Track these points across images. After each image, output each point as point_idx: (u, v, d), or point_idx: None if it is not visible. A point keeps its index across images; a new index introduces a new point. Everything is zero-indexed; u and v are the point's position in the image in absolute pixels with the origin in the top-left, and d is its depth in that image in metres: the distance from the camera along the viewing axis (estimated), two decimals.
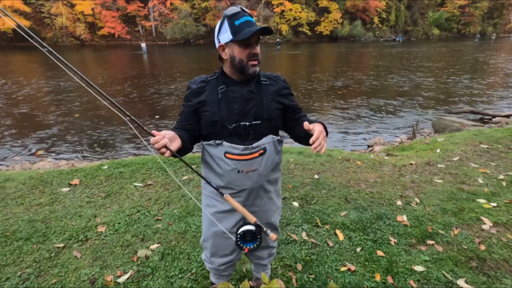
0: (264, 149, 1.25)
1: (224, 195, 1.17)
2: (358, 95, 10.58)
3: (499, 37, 53.34)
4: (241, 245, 1.23)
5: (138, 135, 1.12)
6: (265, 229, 1.18)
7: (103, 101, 0.97)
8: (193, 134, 1.27)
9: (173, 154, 1.03)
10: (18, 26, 0.81)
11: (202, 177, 1.24)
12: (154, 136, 1.00)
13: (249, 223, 1.20)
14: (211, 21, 42.78)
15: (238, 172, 1.23)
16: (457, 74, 14.73)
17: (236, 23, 1.12)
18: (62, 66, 0.91)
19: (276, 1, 45.39)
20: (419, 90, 11.23)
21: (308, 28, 47.67)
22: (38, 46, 0.87)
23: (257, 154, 1.23)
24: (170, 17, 41.52)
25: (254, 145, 1.22)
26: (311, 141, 1.06)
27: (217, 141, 1.22)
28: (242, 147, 1.20)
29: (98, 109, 8.79)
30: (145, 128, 1.01)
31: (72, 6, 38.28)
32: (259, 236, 1.22)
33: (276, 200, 1.45)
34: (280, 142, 1.33)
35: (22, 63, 20.03)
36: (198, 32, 41.78)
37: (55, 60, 0.88)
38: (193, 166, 3.50)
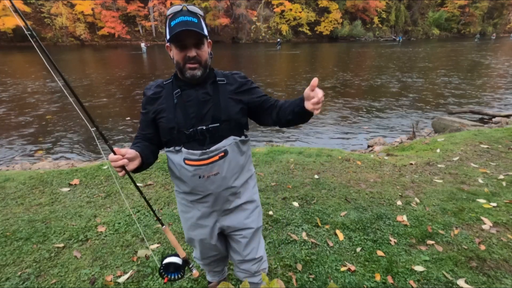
0: (225, 152, 1.20)
1: (163, 227, 1.18)
2: (357, 95, 10.58)
3: (499, 37, 53.34)
4: (163, 273, 1.24)
5: (100, 147, 1.13)
6: (191, 265, 1.19)
7: (74, 105, 0.97)
8: (154, 143, 1.24)
9: (128, 174, 1.05)
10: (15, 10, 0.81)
11: (147, 202, 1.20)
12: (115, 153, 0.99)
13: (177, 256, 1.21)
14: (211, 21, 42.74)
15: (200, 177, 1.19)
16: (457, 74, 14.74)
17: (172, 23, 1.08)
18: (41, 54, 0.88)
19: (276, 1, 45.42)
20: (419, 90, 11.23)
21: (308, 28, 47.69)
22: (23, 28, 0.85)
23: (217, 158, 1.18)
24: None
25: (212, 148, 1.17)
26: (312, 102, 0.99)
27: (177, 148, 1.19)
28: (199, 152, 1.16)
29: (97, 109, 8.79)
30: (108, 143, 1.01)
31: (72, 6, 38.27)
32: (182, 270, 1.24)
33: (251, 200, 1.37)
34: (244, 142, 1.28)
35: (21, 63, 20.04)
36: None
37: (35, 46, 0.86)
38: None
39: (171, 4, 41.40)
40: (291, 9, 45.62)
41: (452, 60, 20.74)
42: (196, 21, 1.09)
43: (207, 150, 1.17)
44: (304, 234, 2.34)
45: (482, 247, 2.14)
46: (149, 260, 2.06)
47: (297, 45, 38.32)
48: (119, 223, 2.46)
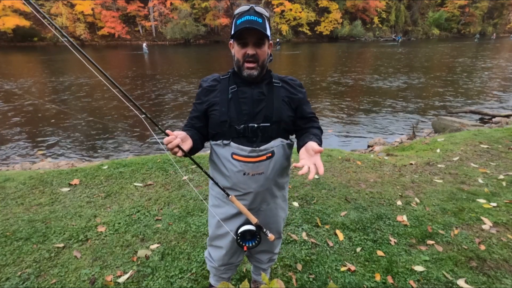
0: (272, 153, 1.22)
1: (230, 196, 1.18)
2: (357, 95, 10.59)
3: (499, 37, 53.34)
4: (241, 243, 1.26)
5: (153, 133, 1.17)
6: (264, 229, 1.20)
7: (122, 98, 0.99)
8: (202, 133, 1.28)
9: (185, 154, 1.06)
10: (54, 28, 0.82)
11: (210, 177, 1.24)
12: (168, 135, 1.01)
13: (250, 223, 1.23)
14: (211, 21, 42.75)
15: (244, 174, 1.21)
16: (457, 74, 14.74)
17: (238, 22, 1.12)
18: (84, 61, 0.92)
19: (276, 1, 45.37)
20: (419, 90, 11.23)
21: (308, 28, 47.65)
22: (68, 46, 0.87)
23: (264, 157, 1.21)
24: (170, 17, 41.48)
25: (262, 147, 1.20)
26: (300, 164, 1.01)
27: (225, 141, 1.21)
28: (249, 148, 1.18)
29: (99, 109, 8.79)
30: (159, 126, 1.03)
31: (72, 6, 38.22)
32: (258, 235, 1.26)
33: (283, 205, 1.43)
34: (290, 146, 1.30)
35: (21, 63, 20.04)
36: (198, 32, 41.75)
37: (77, 55, 0.89)
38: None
39: (171, 4, 41.47)
40: (291, 9, 45.55)
41: (452, 60, 20.74)
42: (261, 21, 1.13)
43: (257, 148, 1.19)
44: (304, 234, 2.34)
45: (482, 247, 2.14)
46: (149, 260, 2.06)
47: (297, 45, 38.31)
48: (119, 223, 2.46)
